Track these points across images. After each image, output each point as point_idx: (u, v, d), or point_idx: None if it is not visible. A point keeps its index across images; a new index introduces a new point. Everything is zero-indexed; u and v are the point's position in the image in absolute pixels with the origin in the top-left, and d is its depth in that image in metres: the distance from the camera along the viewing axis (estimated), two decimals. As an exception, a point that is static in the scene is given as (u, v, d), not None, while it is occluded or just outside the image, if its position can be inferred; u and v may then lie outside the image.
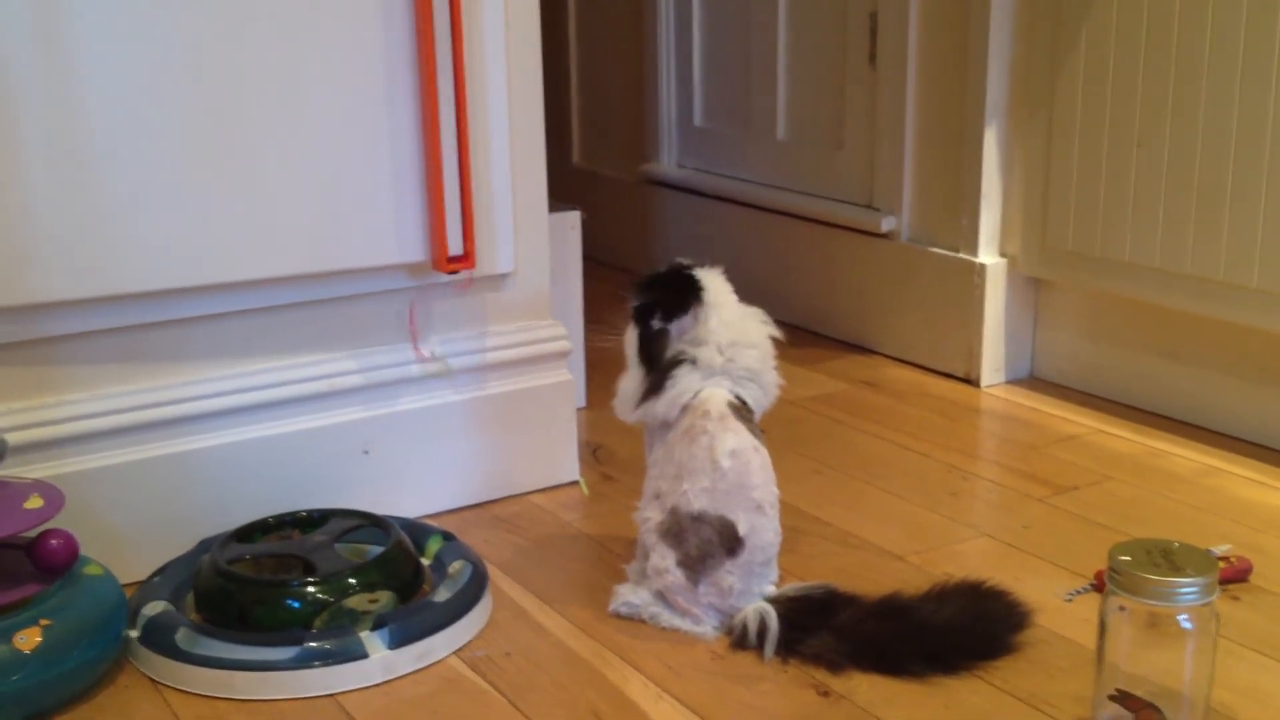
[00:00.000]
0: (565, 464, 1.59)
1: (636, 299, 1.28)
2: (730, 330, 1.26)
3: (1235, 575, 1.31)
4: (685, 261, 1.29)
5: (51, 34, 1.19)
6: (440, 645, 1.21)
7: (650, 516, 1.24)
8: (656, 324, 1.26)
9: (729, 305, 1.27)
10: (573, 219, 1.78)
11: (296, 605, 1.19)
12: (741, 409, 1.25)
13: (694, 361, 1.25)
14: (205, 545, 1.31)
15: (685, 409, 1.24)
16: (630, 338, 1.29)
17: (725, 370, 1.25)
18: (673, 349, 1.25)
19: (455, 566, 1.30)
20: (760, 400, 1.28)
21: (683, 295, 1.26)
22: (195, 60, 1.26)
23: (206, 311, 1.35)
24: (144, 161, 1.25)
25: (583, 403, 1.82)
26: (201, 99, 1.27)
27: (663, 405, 1.25)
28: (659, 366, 1.25)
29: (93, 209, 1.24)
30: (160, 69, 1.24)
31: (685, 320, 1.25)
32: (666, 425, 1.26)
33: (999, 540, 1.43)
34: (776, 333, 1.30)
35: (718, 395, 1.24)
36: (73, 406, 1.30)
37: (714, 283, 1.27)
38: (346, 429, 1.43)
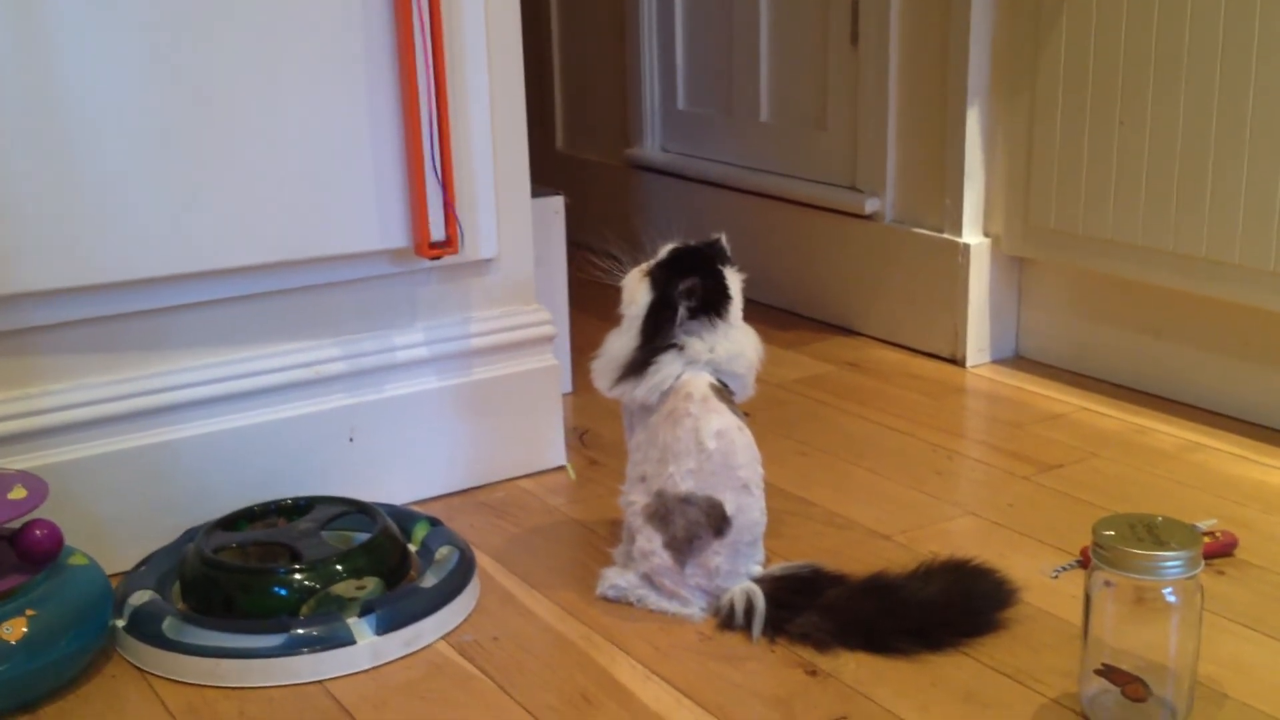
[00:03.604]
0: (551, 449, 1.59)
1: (670, 267, 1.25)
2: (732, 347, 1.26)
3: (1220, 549, 1.32)
4: (724, 248, 1.28)
5: (28, 21, 1.18)
6: (428, 630, 1.21)
7: (635, 500, 1.24)
8: (683, 309, 1.23)
9: (738, 325, 1.27)
10: (556, 203, 1.77)
11: (283, 592, 1.19)
12: (723, 391, 1.25)
13: (681, 349, 1.24)
14: (190, 534, 1.31)
15: (667, 393, 1.24)
16: (639, 292, 1.26)
17: (709, 362, 1.25)
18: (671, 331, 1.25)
19: (442, 552, 1.30)
20: (737, 392, 1.28)
21: (718, 301, 1.25)
22: (175, 48, 1.25)
23: (189, 300, 1.34)
24: (124, 150, 1.25)
25: (569, 387, 1.82)
26: (181, 87, 1.26)
27: (643, 390, 1.24)
28: (653, 344, 1.25)
29: (73, 198, 1.24)
30: (140, 58, 1.24)
31: (703, 318, 1.25)
32: (646, 409, 1.25)
33: (985, 518, 1.43)
34: (763, 354, 1.30)
35: (700, 379, 1.23)
36: (56, 397, 1.29)
37: (737, 295, 1.27)
38: (331, 416, 1.43)
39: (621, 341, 1.27)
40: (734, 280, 1.27)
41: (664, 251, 1.28)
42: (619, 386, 1.26)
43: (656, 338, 1.24)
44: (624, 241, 1.32)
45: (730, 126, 2.34)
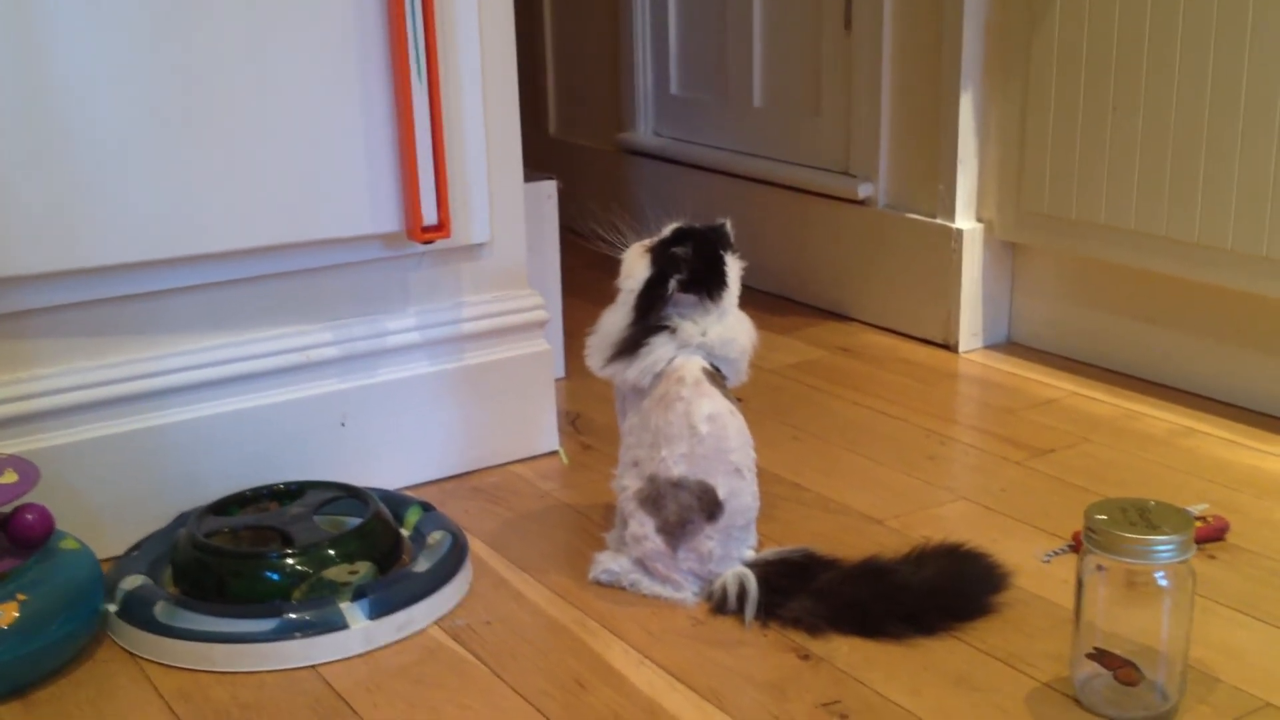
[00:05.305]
0: (544, 434, 1.59)
1: (673, 243, 1.25)
2: (725, 331, 1.26)
3: (1212, 534, 1.32)
4: (727, 233, 1.28)
5: (22, 5, 1.17)
6: (420, 615, 1.21)
7: (628, 484, 1.24)
8: (673, 284, 1.23)
9: (732, 311, 1.27)
10: (548, 188, 1.77)
11: (275, 577, 1.19)
12: (715, 375, 1.25)
13: (673, 331, 1.24)
14: (182, 519, 1.31)
15: (659, 376, 1.23)
16: (638, 267, 1.25)
17: (701, 345, 1.25)
18: (664, 311, 1.25)
19: (435, 537, 1.29)
20: (730, 378, 1.28)
21: (711, 280, 1.24)
22: (167, 31, 1.24)
23: (181, 284, 1.34)
24: (117, 134, 1.24)
25: (561, 373, 1.82)
26: (173, 70, 1.25)
27: (634, 372, 1.24)
28: (644, 323, 1.24)
29: (64, 181, 1.23)
30: (132, 42, 1.23)
31: (696, 298, 1.24)
32: (639, 391, 1.25)
33: (977, 503, 1.44)
34: (757, 340, 1.30)
35: (692, 363, 1.23)
36: (47, 381, 1.29)
37: (734, 282, 1.26)
38: (323, 401, 1.43)
39: (615, 317, 1.27)
40: (734, 267, 1.27)
41: (668, 230, 1.28)
42: (610, 366, 1.26)
43: (649, 314, 1.24)
44: (614, 227, 1.32)
45: (723, 111, 2.33)
